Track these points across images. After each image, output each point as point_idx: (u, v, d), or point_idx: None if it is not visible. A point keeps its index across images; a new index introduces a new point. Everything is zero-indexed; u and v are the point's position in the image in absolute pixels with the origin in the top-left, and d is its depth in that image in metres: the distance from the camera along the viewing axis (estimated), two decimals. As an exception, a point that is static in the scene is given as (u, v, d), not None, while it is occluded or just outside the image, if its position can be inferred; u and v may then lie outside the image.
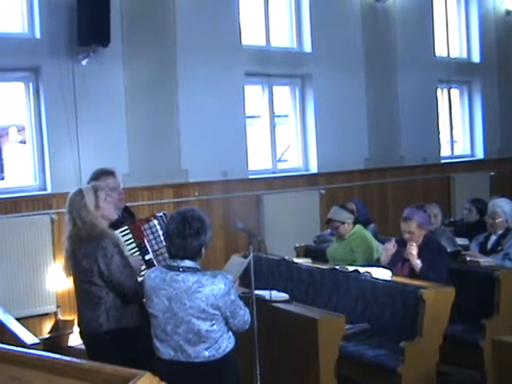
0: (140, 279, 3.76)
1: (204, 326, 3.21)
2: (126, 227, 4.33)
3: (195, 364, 3.24)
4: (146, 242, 4.35)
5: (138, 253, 4.31)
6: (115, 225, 4.20)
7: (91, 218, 3.80)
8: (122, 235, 4.27)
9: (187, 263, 3.27)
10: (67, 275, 4.03)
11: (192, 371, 3.24)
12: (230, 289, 3.25)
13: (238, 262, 4.07)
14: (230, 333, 3.37)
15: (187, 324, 3.20)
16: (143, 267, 4.21)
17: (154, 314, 3.32)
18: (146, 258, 4.30)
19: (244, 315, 3.36)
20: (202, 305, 3.17)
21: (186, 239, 3.24)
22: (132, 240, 4.32)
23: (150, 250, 4.34)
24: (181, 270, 3.26)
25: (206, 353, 3.23)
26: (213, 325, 3.23)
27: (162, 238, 4.31)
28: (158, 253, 4.33)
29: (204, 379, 3.26)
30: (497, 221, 5.72)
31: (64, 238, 3.95)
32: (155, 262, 4.29)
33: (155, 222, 4.43)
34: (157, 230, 4.39)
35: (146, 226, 4.38)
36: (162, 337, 3.31)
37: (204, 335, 3.21)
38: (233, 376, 3.38)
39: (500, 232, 5.71)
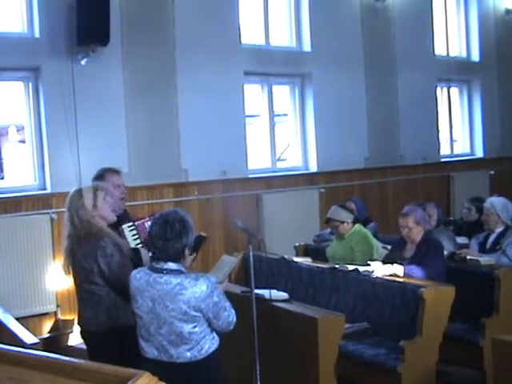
0: None
1: (186, 327, 3.21)
2: (131, 223, 4.41)
3: (177, 364, 3.25)
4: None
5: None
6: (119, 222, 4.25)
7: (88, 217, 3.81)
8: (129, 230, 4.35)
9: (170, 265, 3.27)
10: (66, 273, 4.02)
11: (175, 371, 3.24)
12: (213, 291, 3.24)
13: (227, 262, 4.08)
14: (214, 333, 3.37)
15: (170, 325, 3.22)
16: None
17: (139, 315, 3.34)
18: (150, 254, 4.36)
19: (228, 316, 3.35)
20: (184, 307, 3.18)
21: (168, 242, 3.24)
22: (137, 236, 4.40)
23: None
24: (164, 272, 3.26)
25: (188, 354, 3.24)
26: (195, 326, 3.23)
27: None
28: None
29: (186, 379, 3.26)
30: (488, 217, 5.75)
31: (64, 237, 3.96)
32: None
33: None
34: None
35: (149, 223, 4.43)
36: (146, 337, 3.33)
37: (186, 337, 3.22)
38: (216, 377, 3.37)
39: (499, 230, 5.71)
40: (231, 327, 3.41)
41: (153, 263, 3.37)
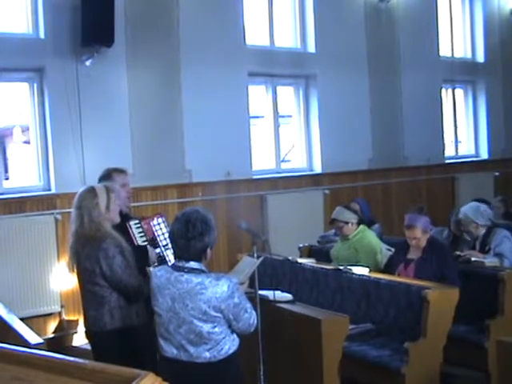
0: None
1: (206, 327, 3.20)
2: (137, 220, 4.46)
3: (196, 364, 3.24)
4: (155, 236, 4.46)
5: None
6: (125, 220, 4.30)
7: (100, 218, 3.79)
8: (136, 227, 4.41)
9: (192, 264, 3.27)
10: (70, 271, 4.01)
11: (194, 371, 3.25)
12: (234, 292, 3.22)
13: (249, 263, 4.04)
14: (234, 335, 3.35)
15: (189, 325, 3.21)
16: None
17: (159, 313, 3.34)
18: (156, 251, 4.41)
19: (249, 318, 3.32)
20: (204, 307, 3.17)
21: (190, 241, 3.23)
22: (143, 233, 4.42)
23: (159, 244, 4.46)
24: (185, 270, 3.26)
25: (207, 354, 3.23)
26: (214, 327, 3.22)
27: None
28: (166, 247, 4.45)
29: (205, 379, 3.26)
30: (467, 227, 5.72)
31: (69, 235, 3.95)
32: (165, 256, 4.42)
33: (163, 218, 4.61)
34: (166, 226, 4.54)
35: (154, 222, 4.52)
36: (165, 335, 3.32)
37: (205, 336, 3.21)
38: (235, 378, 3.35)
39: (482, 233, 5.68)
40: (251, 329, 3.39)
41: (175, 261, 3.38)
